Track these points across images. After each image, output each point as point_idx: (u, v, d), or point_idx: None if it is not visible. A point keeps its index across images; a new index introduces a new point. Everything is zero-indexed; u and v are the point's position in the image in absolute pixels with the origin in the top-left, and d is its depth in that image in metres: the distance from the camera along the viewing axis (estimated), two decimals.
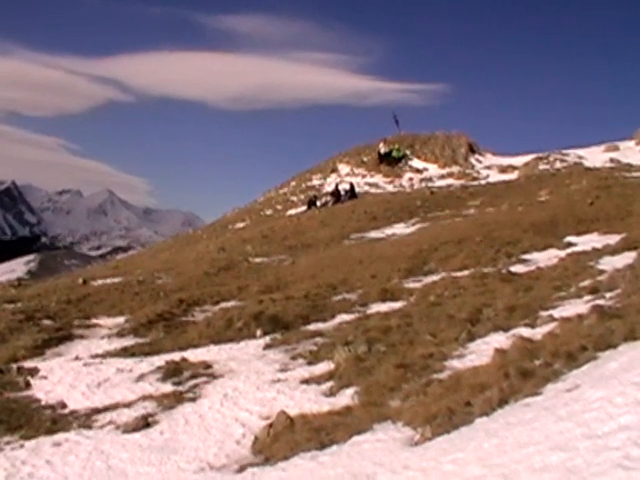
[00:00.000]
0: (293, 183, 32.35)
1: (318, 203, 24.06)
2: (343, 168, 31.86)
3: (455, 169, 28.74)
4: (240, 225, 23.59)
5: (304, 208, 24.23)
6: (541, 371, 3.97)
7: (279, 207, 26.53)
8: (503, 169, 27.73)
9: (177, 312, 9.34)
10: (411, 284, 9.35)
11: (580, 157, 27.33)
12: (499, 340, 5.34)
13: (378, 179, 29.17)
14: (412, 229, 15.15)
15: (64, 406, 5.90)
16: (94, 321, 9.39)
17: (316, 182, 30.47)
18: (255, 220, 23.84)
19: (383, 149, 31.43)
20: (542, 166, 26.26)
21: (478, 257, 9.97)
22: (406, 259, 10.77)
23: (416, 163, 30.14)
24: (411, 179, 28.29)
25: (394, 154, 30.58)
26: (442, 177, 27.95)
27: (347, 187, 25.03)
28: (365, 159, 32.65)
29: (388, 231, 15.54)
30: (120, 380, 6.44)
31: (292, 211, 24.23)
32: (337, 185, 26.16)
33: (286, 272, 11.97)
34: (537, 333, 5.30)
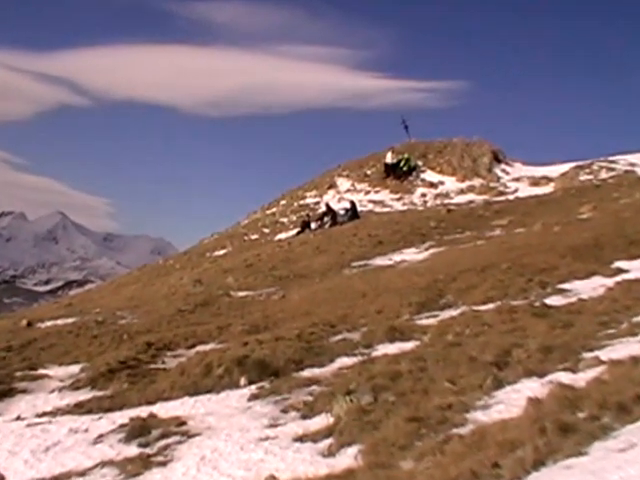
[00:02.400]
0: (283, 202, 32.82)
1: (313, 225, 24.52)
2: (343, 183, 32.53)
3: (477, 182, 29.15)
4: (220, 253, 23.91)
5: (296, 231, 24.66)
6: (586, 426, 3.92)
7: (266, 231, 26.59)
8: (535, 181, 28.05)
9: (144, 358, 9.36)
10: (425, 321, 9.44)
11: (632, 164, 27.58)
12: (532, 388, 5.38)
13: (384, 196, 29.71)
14: (425, 255, 15.44)
15: (2, 478, 5.78)
16: (41, 372, 9.39)
17: (310, 200, 30.97)
18: (238, 246, 24.13)
19: (390, 160, 32.19)
20: (583, 176, 26.57)
21: (505, 288, 10.07)
22: (418, 291, 10.88)
23: (430, 176, 30.72)
24: (424, 195, 28.76)
25: (403, 166, 31.31)
26: (461, 192, 28.36)
27: (347, 206, 25.60)
28: (369, 172, 33.45)
29: (397, 257, 15.86)
30: (73, 443, 6.39)
31: (282, 235, 24.60)
32: (329, 205, 26.42)
33: (275, 308, 12.09)
34: (580, 379, 5.26)
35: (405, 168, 30.48)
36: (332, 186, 31.31)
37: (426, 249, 16.11)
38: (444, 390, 6.01)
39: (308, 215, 25.51)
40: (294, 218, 27.06)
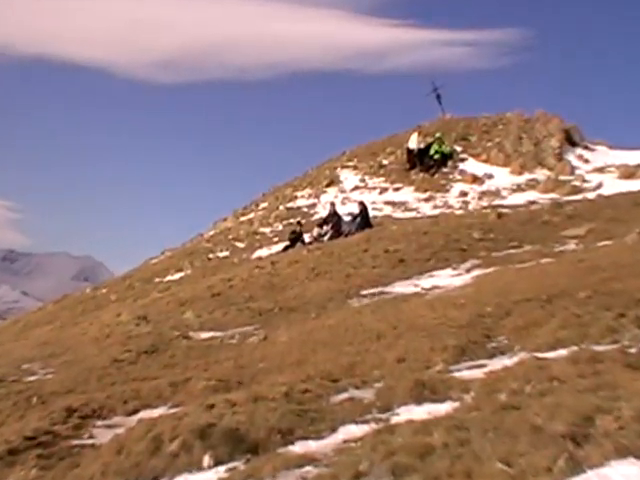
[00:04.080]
0: (264, 205, 33.31)
1: (307, 237, 25.34)
2: (349, 178, 33.05)
3: (540, 175, 29.42)
4: (175, 277, 24.54)
5: (283, 246, 25.35)
6: None
7: (241, 245, 27.23)
8: (628, 172, 28.21)
9: (63, 431, 9.37)
10: (466, 373, 9.45)
11: None
12: (628, 474, 5.29)
13: (408, 195, 30.18)
14: (466, 279, 15.59)
15: None
16: None
17: (303, 202, 31.52)
18: (200, 268, 24.74)
19: (416, 145, 32.68)
20: None
21: (584, 326, 10.08)
22: (457, 330, 10.88)
23: (472, 166, 31.14)
24: (464, 194, 29.16)
25: (435, 152, 31.74)
26: (518, 189, 28.63)
27: (356, 210, 26.29)
28: (385, 162, 33.98)
29: (425, 283, 16.06)
30: None
31: (263, 251, 25.28)
32: (334, 206, 27.43)
33: (254, 355, 12.24)
34: None
35: (437, 156, 30.96)
36: (333, 182, 31.83)
37: (467, 270, 16.41)
38: (496, 474, 5.92)
39: (300, 223, 26.18)
40: (280, 227, 27.55)
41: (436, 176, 30.20)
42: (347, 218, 25.85)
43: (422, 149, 31.07)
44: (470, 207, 26.35)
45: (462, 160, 30.44)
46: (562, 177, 27.90)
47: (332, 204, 26.50)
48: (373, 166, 31.94)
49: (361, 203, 26.19)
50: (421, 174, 30.58)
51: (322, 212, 27.85)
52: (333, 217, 25.40)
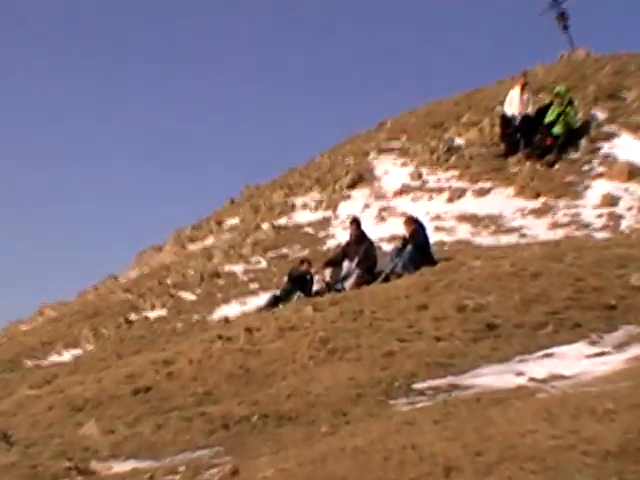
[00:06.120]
0: (233, 221, 24.59)
1: (316, 283, 18.27)
2: (390, 171, 26.00)
3: None
4: (64, 358, 18.69)
5: (268, 298, 18.29)
6: None
7: (189, 297, 20.04)
8: None
9: None
10: None
11: None
12: None
13: (502, 202, 21.18)
14: (617, 361, 11.56)
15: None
16: None
17: (305, 217, 23.47)
18: (113, 341, 18.64)
19: (518, 107, 22.35)
20: None
21: None
22: (599, 463, 7.27)
23: (627, 148, 21.75)
24: (611, 201, 20.88)
25: (555, 121, 20.68)
26: None
27: (402, 232, 18.43)
28: (459, 141, 24.80)
29: (536, 368, 11.70)
30: None
31: (230, 308, 18.47)
32: (359, 225, 18.79)
33: None
34: None
35: (558, 129, 21.39)
36: (362, 179, 23.32)
37: (618, 346, 11.90)
38: None
39: (307, 262, 18.63)
40: (262, 263, 20.08)
41: (557, 167, 20.79)
42: (387, 247, 18.68)
43: (530, 117, 21.53)
44: (623, 226, 18.79)
45: (607, 137, 21.51)
46: None
47: (356, 222, 18.74)
48: (436, 149, 23.74)
49: (412, 220, 17.97)
50: (528, 163, 21.07)
51: (341, 235, 19.71)
52: (361, 245, 17.77)
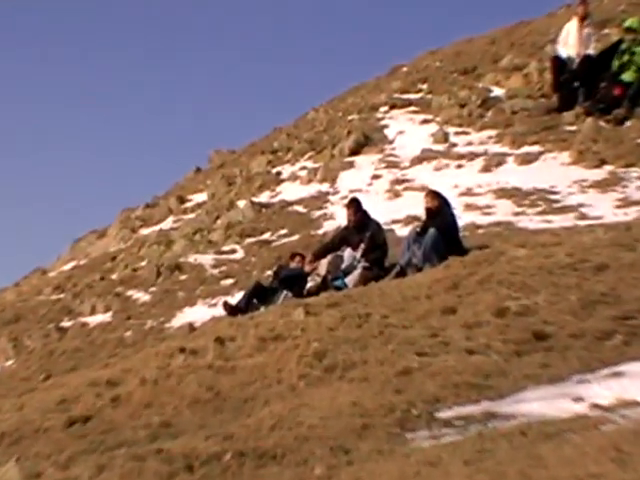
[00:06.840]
0: (199, 197, 22.65)
1: (309, 281, 15.26)
2: (406, 131, 22.82)
3: None
4: None
5: (242, 297, 14.75)
6: None
7: (141, 297, 16.83)
8: None
9: None
10: None
11: None
12: None
13: (555, 172, 17.27)
14: None
15: None
16: None
17: (294, 193, 19.64)
18: (40, 355, 15.65)
19: (576, 47, 20.01)
20: None
21: None
22: None
23: None
24: None
25: (625, 65, 18.45)
26: None
27: (421, 213, 15.84)
28: (497, 92, 21.85)
29: (601, 390, 8.66)
30: None
31: (194, 311, 15.42)
32: (360, 206, 15.65)
33: None
34: None
35: (629, 74, 18.34)
36: (369, 141, 19.15)
37: None
38: None
39: (300, 255, 15.18)
40: (238, 252, 16.58)
41: (627, 125, 17.07)
42: (402, 231, 15.46)
43: (592, 59, 17.89)
44: None
45: None
46: None
47: (354, 203, 14.90)
48: (467, 102, 19.42)
49: (435, 195, 14.60)
50: (589, 120, 17.51)
51: (341, 216, 16.18)
52: (365, 230, 14.42)
